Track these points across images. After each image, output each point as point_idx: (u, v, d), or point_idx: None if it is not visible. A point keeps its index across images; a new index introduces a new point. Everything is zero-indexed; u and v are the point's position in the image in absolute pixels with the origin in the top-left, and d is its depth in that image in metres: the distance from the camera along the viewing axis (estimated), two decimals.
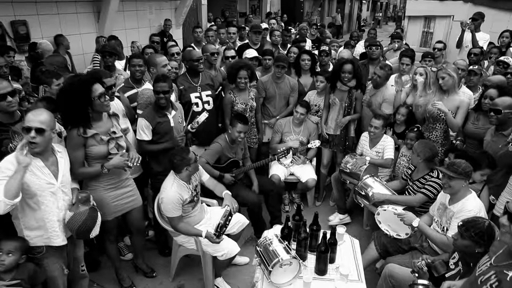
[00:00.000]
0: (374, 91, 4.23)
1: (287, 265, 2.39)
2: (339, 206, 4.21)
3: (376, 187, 3.42)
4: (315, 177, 4.19)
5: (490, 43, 5.77)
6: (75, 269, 2.67)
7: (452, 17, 9.24)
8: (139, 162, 2.72)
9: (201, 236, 2.88)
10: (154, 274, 3.38)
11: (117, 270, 3.21)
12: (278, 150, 3.88)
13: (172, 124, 3.24)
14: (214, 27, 6.91)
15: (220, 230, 2.81)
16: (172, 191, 2.88)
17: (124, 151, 2.70)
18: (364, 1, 28.01)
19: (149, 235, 3.87)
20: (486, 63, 5.27)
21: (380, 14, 29.71)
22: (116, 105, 3.16)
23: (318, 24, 8.81)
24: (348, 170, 3.83)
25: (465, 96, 3.79)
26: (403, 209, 3.15)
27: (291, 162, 4.23)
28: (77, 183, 2.60)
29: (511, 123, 3.09)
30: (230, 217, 2.86)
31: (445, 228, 2.73)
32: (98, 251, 3.44)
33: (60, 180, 2.32)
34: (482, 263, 1.93)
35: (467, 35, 5.83)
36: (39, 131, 2.13)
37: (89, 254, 3.36)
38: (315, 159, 4.51)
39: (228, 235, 3.12)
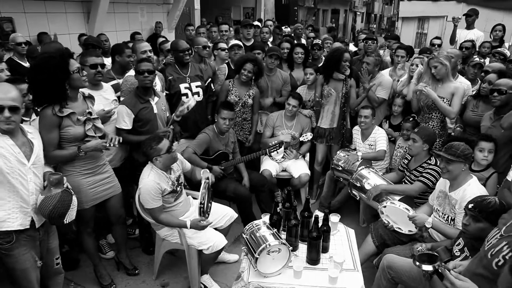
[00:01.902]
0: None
1: (275, 252, 2.20)
2: (322, 203, 4.03)
3: (372, 178, 3.27)
4: (308, 172, 4.01)
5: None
6: (49, 263, 2.44)
7: (445, 17, 9.18)
8: (118, 143, 2.54)
9: (185, 227, 2.69)
10: (136, 272, 3.16)
11: (95, 266, 2.99)
12: (270, 144, 3.72)
13: (155, 111, 3.08)
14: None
15: (204, 203, 2.55)
16: (149, 180, 2.69)
17: (101, 134, 2.55)
18: (358, 13, 28.37)
19: (135, 233, 3.66)
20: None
21: (374, 26, 30.11)
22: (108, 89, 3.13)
23: (316, 28, 8.73)
24: (340, 168, 3.67)
25: (462, 85, 3.67)
26: (401, 199, 3.01)
27: (282, 157, 4.06)
28: (51, 167, 2.42)
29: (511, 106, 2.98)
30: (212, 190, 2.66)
31: (449, 217, 2.57)
32: (78, 249, 3.20)
33: (33, 161, 2.15)
34: (491, 236, 1.79)
35: (461, 32, 5.78)
36: (13, 109, 2.03)
37: (69, 253, 3.16)
38: (308, 155, 4.34)
39: (216, 229, 2.93)
